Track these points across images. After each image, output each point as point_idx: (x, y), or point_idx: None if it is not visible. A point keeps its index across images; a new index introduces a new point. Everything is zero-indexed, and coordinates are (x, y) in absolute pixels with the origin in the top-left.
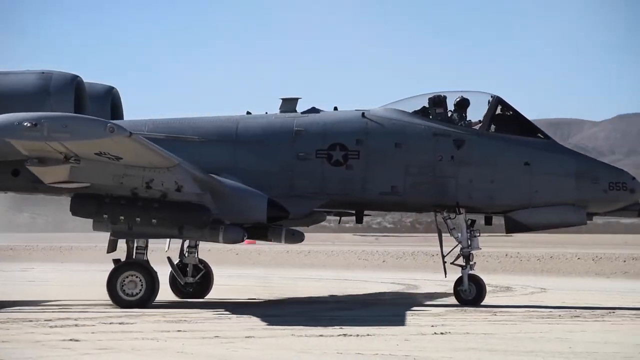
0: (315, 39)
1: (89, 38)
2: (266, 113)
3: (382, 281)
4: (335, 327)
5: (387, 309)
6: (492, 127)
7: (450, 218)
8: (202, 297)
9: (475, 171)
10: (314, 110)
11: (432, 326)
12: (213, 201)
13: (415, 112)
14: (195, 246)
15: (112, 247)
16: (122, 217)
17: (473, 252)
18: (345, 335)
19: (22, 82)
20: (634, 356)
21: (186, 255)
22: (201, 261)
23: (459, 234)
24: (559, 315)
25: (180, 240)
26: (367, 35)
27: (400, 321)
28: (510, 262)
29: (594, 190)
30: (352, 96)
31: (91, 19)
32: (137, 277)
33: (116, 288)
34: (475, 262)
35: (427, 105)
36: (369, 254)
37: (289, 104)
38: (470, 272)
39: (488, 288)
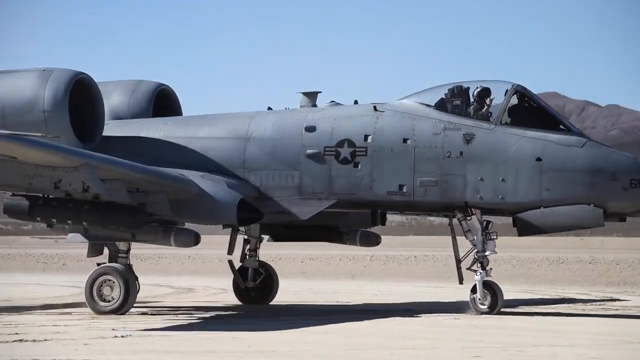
0: (340, 30)
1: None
2: (286, 108)
3: None
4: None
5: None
6: (508, 119)
7: (465, 219)
8: (265, 303)
9: (484, 168)
10: (332, 104)
11: (113, 329)
12: (168, 203)
13: (431, 105)
14: (255, 249)
15: (93, 252)
16: (54, 219)
17: (488, 256)
18: (21, 340)
19: (21, 81)
20: None
21: (247, 258)
22: (262, 264)
23: (474, 237)
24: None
25: (246, 244)
26: (394, 24)
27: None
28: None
29: (612, 188)
30: (379, 89)
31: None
32: (113, 282)
33: (92, 293)
34: (491, 268)
35: (445, 97)
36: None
37: (308, 98)
38: (486, 278)
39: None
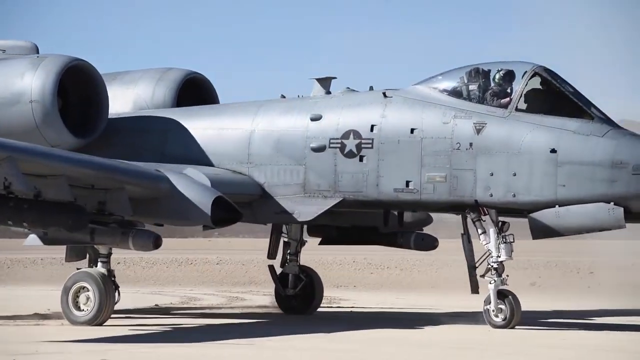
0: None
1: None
2: (298, 96)
3: None
4: None
5: None
6: (524, 105)
7: (479, 220)
8: (307, 313)
9: (495, 161)
10: (346, 91)
11: None
12: (128, 201)
13: (446, 90)
14: (296, 254)
15: (72, 255)
16: None
17: (504, 262)
18: None
19: (12, 68)
20: None
21: (287, 263)
22: (304, 270)
23: (488, 240)
24: None
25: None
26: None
27: None
28: None
29: (636, 184)
30: (406, 74)
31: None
32: (88, 289)
33: (67, 302)
34: (508, 275)
35: (461, 81)
36: None
37: (322, 85)
38: (501, 287)
39: None
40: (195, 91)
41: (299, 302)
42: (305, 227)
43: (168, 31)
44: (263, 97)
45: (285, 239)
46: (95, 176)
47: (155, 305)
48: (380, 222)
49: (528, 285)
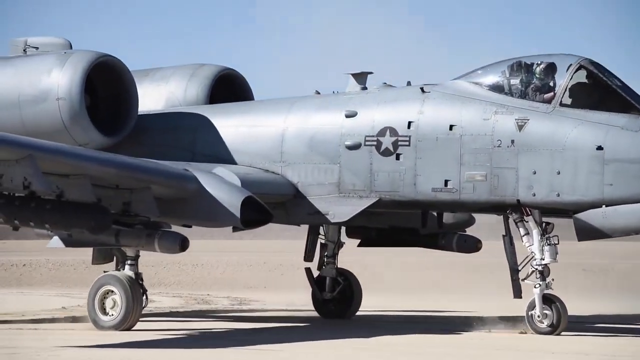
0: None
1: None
2: (333, 92)
3: None
4: None
5: None
6: (569, 100)
7: (522, 221)
8: (346, 317)
9: (538, 159)
10: (384, 86)
11: None
12: (154, 201)
13: (486, 85)
14: (333, 256)
15: (99, 258)
16: (16, 221)
17: (549, 264)
18: None
19: (39, 65)
20: None
21: (324, 266)
22: (342, 273)
23: (531, 242)
24: None
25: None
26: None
27: None
28: None
29: None
30: (444, 69)
31: None
32: (115, 293)
33: (94, 305)
34: (553, 279)
35: (502, 75)
36: None
37: (358, 80)
38: (546, 291)
39: None
40: (229, 88)
41: (336, 306)
42: (343, 228)
43: (199, 25)
44: (298, 93)
45: (323, 241)
46: (119, 175)
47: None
48: (419, 223)
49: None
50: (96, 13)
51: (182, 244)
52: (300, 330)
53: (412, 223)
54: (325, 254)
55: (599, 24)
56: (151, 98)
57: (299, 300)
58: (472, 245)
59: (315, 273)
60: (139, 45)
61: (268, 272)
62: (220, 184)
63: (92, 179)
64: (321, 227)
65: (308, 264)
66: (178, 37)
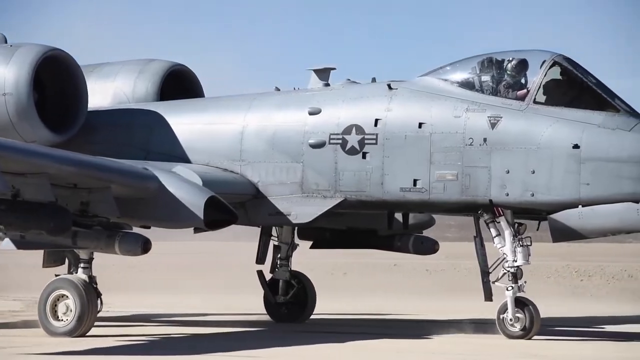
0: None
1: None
2: (294, 89)
3: None
4: None
5: None
6: (543, 97)
7: (493, 222)
8: (300, 320)
9: (512, 158)
10: (347, 82)
11: None
12: (115, 201)
13: (456, 81)
14: (287, 258)
15: (50, 260)
16: None
17: (521, 267)
18: None
19: None
20: None
21: (277, 268)
22: (295, 276)
23: (503, 243)
24: None
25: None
26: None
27: None
28: None
29: None
30: (411, 65)
31: None
32: (68, 297)
33: (46, 311)
34: (525, 282)
35: (473, 71)
36: None
37: (320, 77)
38: (519, 294)
39: None
40: (179, 84)
41: (290, 310)
42: (296, 229)
43: (147, 19)
44: (252, 89)
45: (276, 243)
46: (79, 174)
47: None
48: (379, 224)
49: None
50: (29, 4)
51: (145, 246)
52: (265, 335)
53: (370, 224)
54: (279, 256)
55: (562, 21)
56: (98, 94)
57: (252, 303)
58: (429, 247)
59: (268, 276)
60: (78, 40)
61: (226, 273)
62: (182, 184)
63: (50, 178)
64: (274, 229)
65: (260, 267)
66: (123, 31)
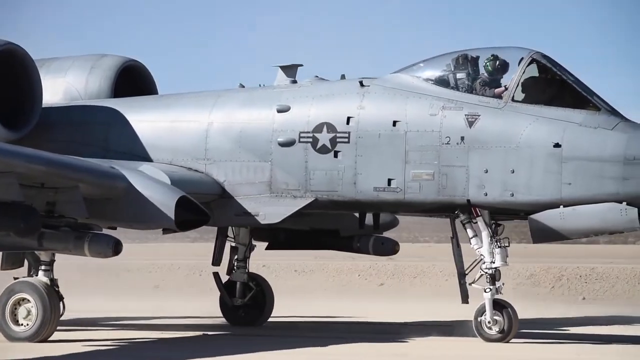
0: None
1: None
2: (260, 85)
3: None
4: None
5: None
6: (521, 95)
7: (470, 222)
8: (257, 324)
9: (490, 157)
10: (315, 80)
11: None
12: (83, 201)
13: (430, 79)
14: (245, 260)
15: (9, 263)
16: None
17: (499, 268)
18: None
19: None
20: None
21: (234, 270)
22: (253, 278)
23: (480, 244)
24: None
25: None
26: None
27: None
28: None
29: None
30: (380, 62)
31: None
32: (29, 301)
33: (5, 315)
34: (503, 283)
35: (447, 69)
36: None
37: (287, 73)
38: (497, 296)
39: None
40: (132, 80)
41: (247, 313)
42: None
43: (97, 12)
44: (210, 86)
45: (233, 244)
46: (48, 173)
47: None
48: (343, 225)
49: None
50: None
51: (115, 248)
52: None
53: (333, 225)
54: (236, 257)
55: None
56: (47, 90)
57: (206, 306)
58: (389, 248)
59: (225, 278)
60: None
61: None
62: (152, 183)
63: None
64: (230, 229)
65: (216, 269)
66: (73, 24)
